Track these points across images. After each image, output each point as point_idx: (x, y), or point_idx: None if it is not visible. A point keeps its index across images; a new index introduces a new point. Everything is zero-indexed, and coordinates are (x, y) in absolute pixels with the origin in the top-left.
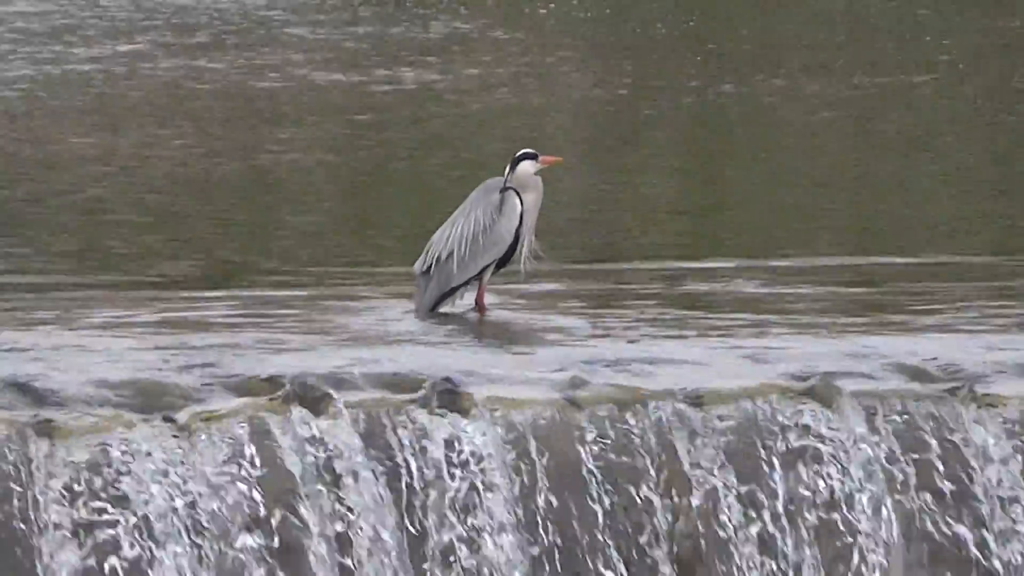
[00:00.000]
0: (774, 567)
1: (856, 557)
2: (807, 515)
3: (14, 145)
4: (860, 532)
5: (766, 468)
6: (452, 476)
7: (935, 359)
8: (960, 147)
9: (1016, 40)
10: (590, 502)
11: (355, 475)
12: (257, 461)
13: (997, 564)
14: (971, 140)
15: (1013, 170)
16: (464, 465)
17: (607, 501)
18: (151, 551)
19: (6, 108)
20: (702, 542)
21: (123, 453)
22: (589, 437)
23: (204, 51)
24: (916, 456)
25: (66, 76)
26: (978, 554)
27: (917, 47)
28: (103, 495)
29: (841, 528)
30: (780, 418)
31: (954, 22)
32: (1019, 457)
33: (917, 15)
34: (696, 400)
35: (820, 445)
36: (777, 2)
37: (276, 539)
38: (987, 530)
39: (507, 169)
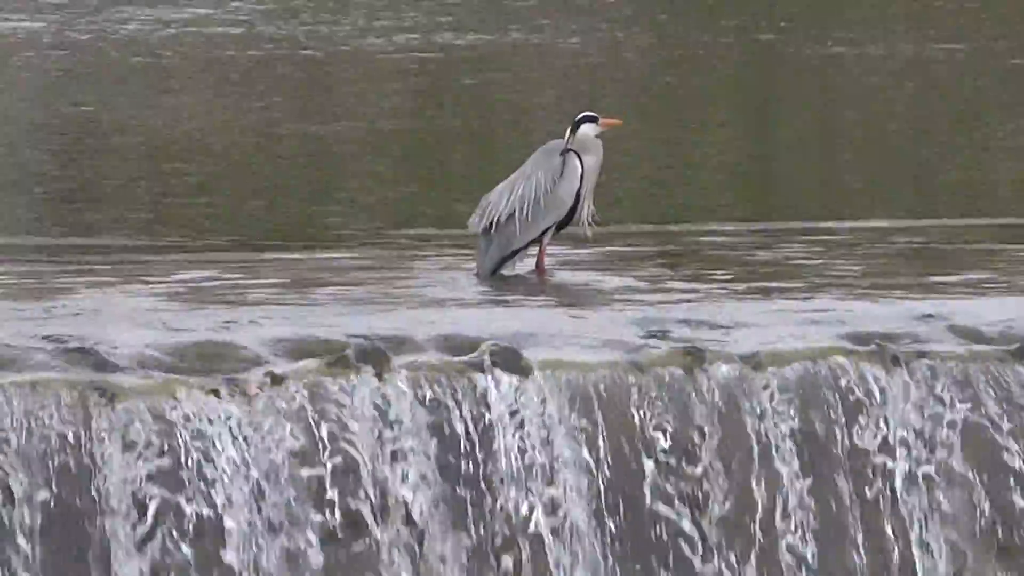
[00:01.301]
0: (823, 526)
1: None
2: (867, 476)
3: (76, 110)
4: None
5: (825, 429)
6: (512, 439)
7: (997, 321)
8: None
9: None
10: (651, 465)
11: (415, 437)
12: (318, 423)
13: None
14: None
15: None
16: (523, 428)
17: (667, 463)
18: (214, 514)
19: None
20: (757, 504)
21: (183, 416)
22: (650, 399)
23: (264, 17)
24: (972, 417)
25: (121, 39)
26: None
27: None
28: (163, 458)
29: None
30: (841, 381)
31: None
32: None
33: None
34: (756, 362)
35: (880, 407)
36: None
37: (337, 505)
38: None
39: (568, 131)
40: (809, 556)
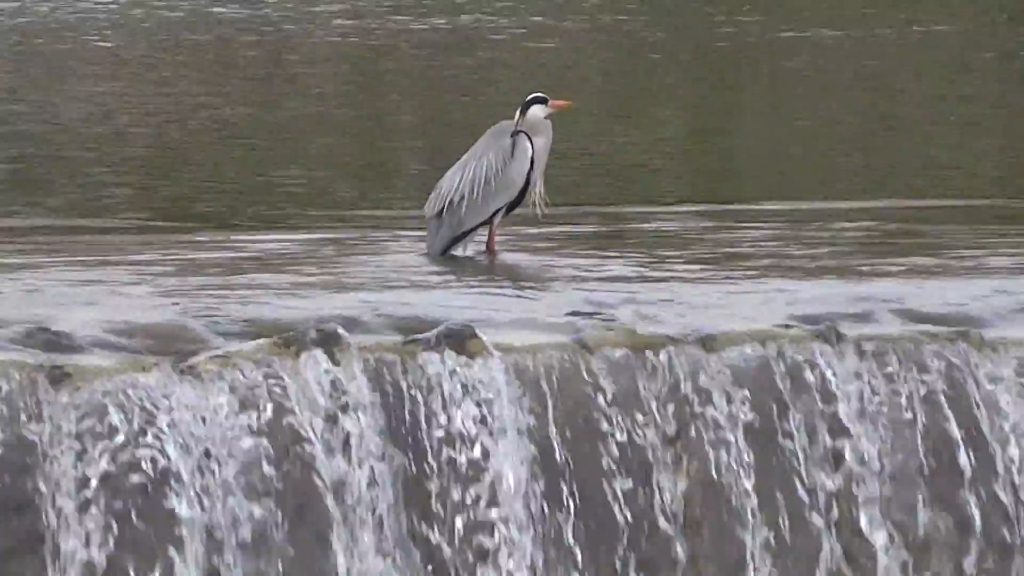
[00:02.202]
0: (777, 506)
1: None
2: (815, 453)
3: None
4: (858, 472)
5: (775, 409)
6: (461, 419)
7: (946, 303)
8: (976, 97)
9: None
10: (601, 445)
11: (364, 416)
12: (269, 404)
13: (1004, 497)
14: (987, 91)
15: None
16: (473, 407)
17: (617, 443)
18: (165, 493)
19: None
20: (707, 487)
21: (136, 397)
22: (600, 380)
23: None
24: (923, 398)
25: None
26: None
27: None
28: (116, 439)
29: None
30: (789, 361)
31: None
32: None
33: None
34: (706, 343)
35: (828, 388)
36: None
37: (286, 481)
38: (989, 463)
39: (517, 113)
40: (762, 538)
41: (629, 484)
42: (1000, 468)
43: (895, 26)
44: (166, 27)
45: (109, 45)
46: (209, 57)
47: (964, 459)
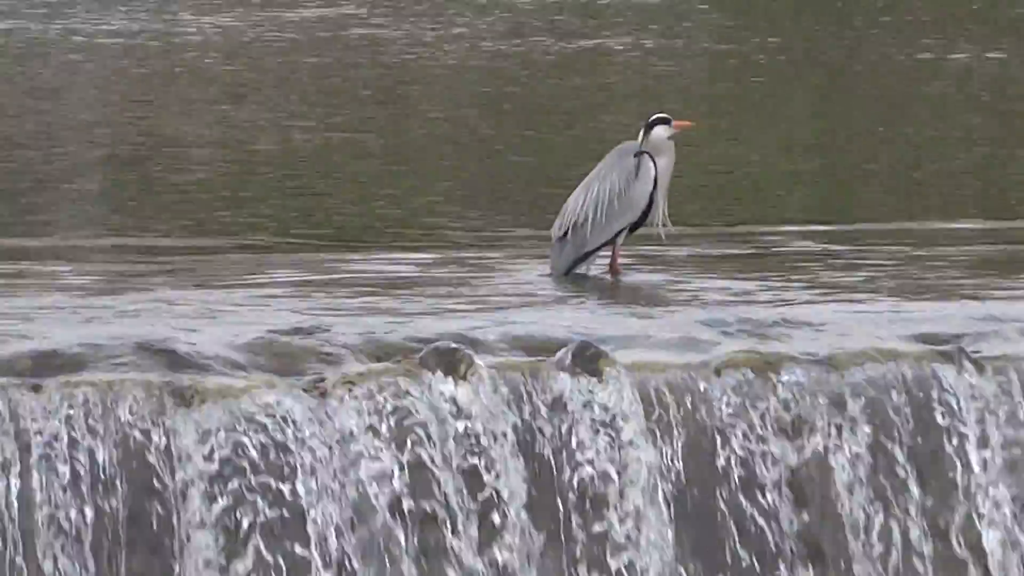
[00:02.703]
0: (896, 525)
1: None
2: (936, 471)
3: (140, 119)
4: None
5: (899, 430)
6: (589, 438)
7: None
8: None
9: None
10: (723, 465)
11: (493, 437)
12: (394, 425)
13: None
14: None
15: None
16: (601, 427)
17: (738, 464)
18: (290, 514)
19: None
20: (827, 508)
21: (261, 416)
22: (723, 400)
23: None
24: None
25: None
26: None
27: None
28: (239, 458)
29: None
30: (915, 381)
31: None
32: None
33: None
34: (831, 363)
35: (952, 407)
36: None
37: (414, 501)
38: None
39: (641, 134)
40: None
41: (749, 487)
42: None
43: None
44: (277, 50)
45: (225, 68)
46: (330, 80)
47: None
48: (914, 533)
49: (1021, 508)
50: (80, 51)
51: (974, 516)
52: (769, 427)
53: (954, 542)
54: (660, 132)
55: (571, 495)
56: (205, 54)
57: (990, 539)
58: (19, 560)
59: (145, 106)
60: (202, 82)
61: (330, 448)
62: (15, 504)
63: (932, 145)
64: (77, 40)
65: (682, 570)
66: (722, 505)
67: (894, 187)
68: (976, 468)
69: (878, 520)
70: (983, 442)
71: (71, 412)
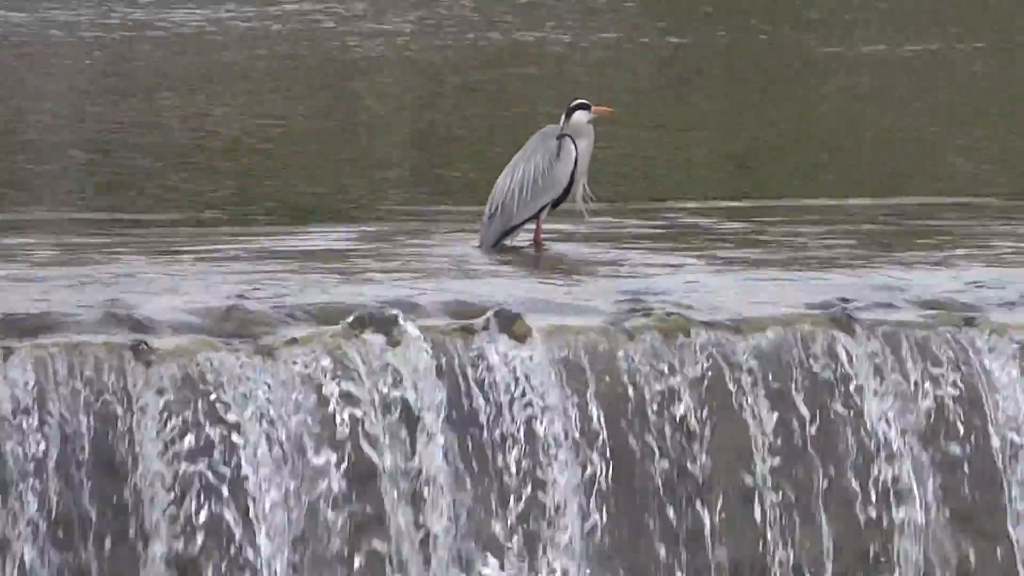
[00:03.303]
0: (794, 477)
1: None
2: (832, 430)
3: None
4: (882, 451)
5: (795, 390)
6: (511, 396)
7: (955, 291)
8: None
9: None
10: (638, 426)
11: (423, 395)
12: (333, 384)
13: (1009, 479)
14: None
15: None
16: (520, 387)
17: (654, 424)
18: (238, 464)
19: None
20: (731, 456)
21: (211, 375)
22: (636, 362)
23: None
24: (932, 381)
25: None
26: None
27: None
28: (193, 414)
29: (865, 443)
30: (808, 345)
31: None
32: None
33: None
34: (735, 328)
35: (844, 370)
36: None
37: (349, 457)
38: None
39: (562, 118)
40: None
41: (660, 442)
42: (991, 429)
43: (940, 42)
44: (236, 42)
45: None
46: (284, 67)
47: (959, 422)
48: (813, 471)
49: (904, 440)
50: (51, 43)
51: (869, 452)
52: (679, 386)
53: (850, 476)
54: (580, 116)
55: (495, 449)
56: (171, 46)
57: (881, 470)
58: None
59: (109, 95)
60: (164, 73)
61: (270, 401)
62: None
63: (831, 130)
64: (52, 33)
65: (600, 503)
66: (641, 458)
67: (795, 168)
68: (868, 417)
69: (777, 459)
70: (872, 393)
71: (39, 370)
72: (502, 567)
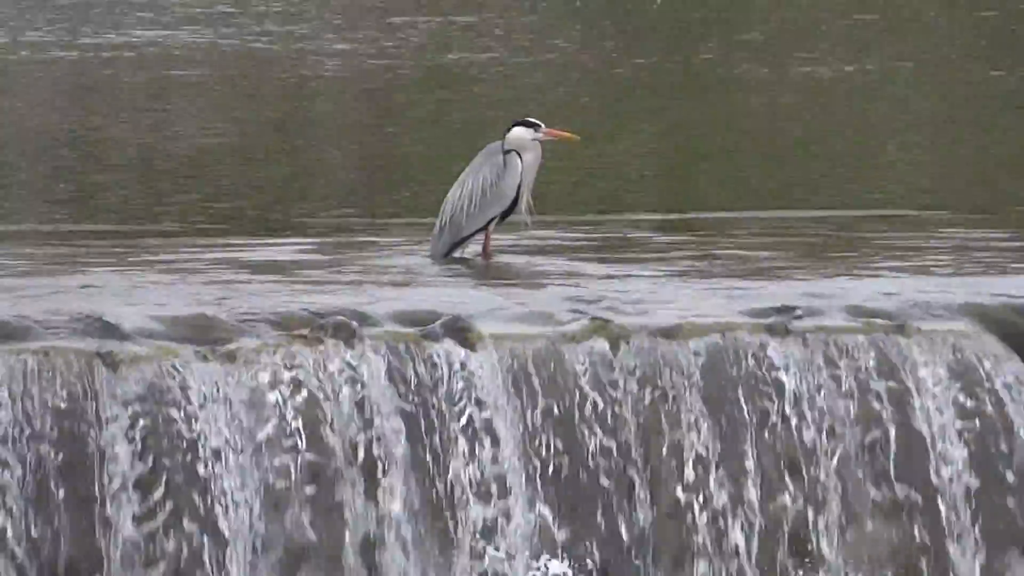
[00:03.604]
0: (731, 480)
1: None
2: (767, 432)
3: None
4: (814, 450)
5: (731, 392)
6: (462, 400)
7: (885, 299)
8: (925, 133)
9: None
10: (582, 425)
11: (378, 399)
12: (293, 388)
13: (937, 479)
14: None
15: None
16: (471, 390)
17: (597, 425)
18: (202, 464)
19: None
20: (668, 453)
21: (176, 379)
22: (579, 366)
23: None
24: (860, 383)
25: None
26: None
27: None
28: (158, 416)
29: (794, 442)
30: (746, 348)
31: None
32: (952, 383)
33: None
34: (674, 334)
35: (779, 374)
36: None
37: (307, 455)
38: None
39: (506, 134)
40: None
41: (603, 443)
42: (923, 428)
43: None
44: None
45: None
46: (238, 89)
47: (890, 425)
48: (748, 463)
49: (829, 438)
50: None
51: (796, 444)
52: (621, 387)
53: (784, 469)
54: (520, 133)
55: (446, 448)
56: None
57: (816, 455)
58: None
59: (75, 113)
60: (124, 91)
61: (237, 401)
62: None
63: (765, 145)
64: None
65: (546, 495)
66: (584, 458)
67: (729, 183)
68: (796, 418)
69: (716, 458)
70: (802, 397)
71: (14, 374)
72: (453, 548)
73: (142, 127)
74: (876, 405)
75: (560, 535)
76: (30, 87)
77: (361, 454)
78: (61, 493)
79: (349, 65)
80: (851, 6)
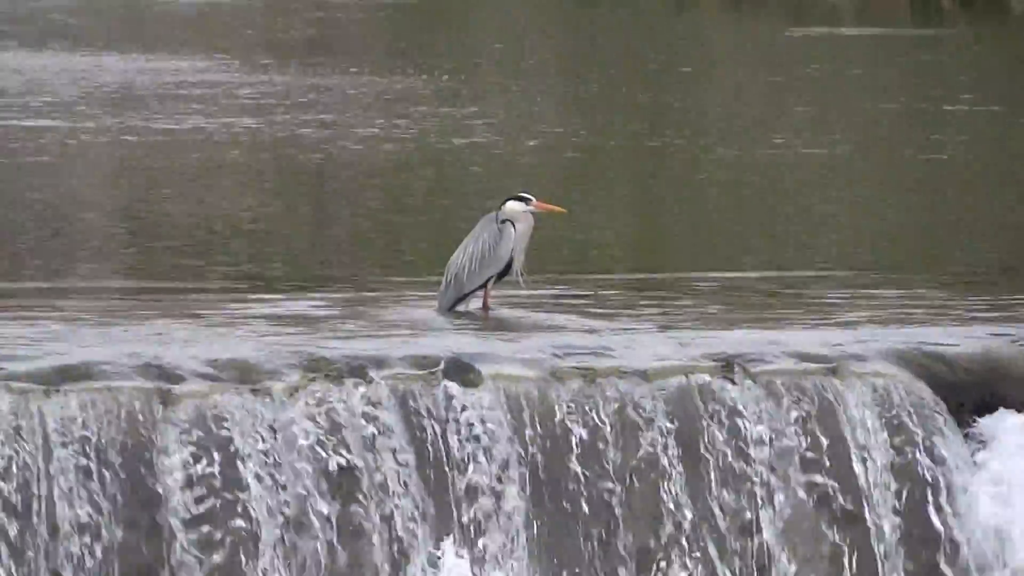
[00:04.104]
0: (698, 482)
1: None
2: (726, 458)
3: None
4: (761, 482)
5: (697, 425)
6: (465, 430)
7: (824, 345)
8: (855, 211)
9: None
10: (568, 452)
11: (391, 430)
12: (322, 419)
13: (870, 513)
14: (866, 209)
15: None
16: (472, 422)
17: (578, 446)
18: (241, 486)
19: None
20: (640, 476)
21: (221, 414)
22: (564, 403)
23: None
24: (800, 418)
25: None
26: (843, 503)
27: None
28: (207, 446)
29: (747, 473)
30: (705, 388)
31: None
32: (881, 421)
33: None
34: (644, 375)
35: (731, 407)
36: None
37: (334, 477)
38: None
39: (501, 206)
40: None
41: (583, 462)
42: (855, 463)
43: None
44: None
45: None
46: (268, 165)
47: (822, 449)
48: (713, 487)
49: (779, 462)
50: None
51: (750, 473)
52: (599, 420)
53: (743, 499)
54: (513, 205)
55: (450, 471)
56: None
57: (770, 494)
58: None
59: (133, 190)
60: (175, 171)
61: (275, 433)
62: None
63: (723, 216)
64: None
65: (537, 513)
66: (569, 479)
67: (692, 248)
68: (752, 449)
69: (680, 481)
70: (755, 432)
71: (82, 410)
72: (456, 555)
73: (191, 200)
74: (813, 433)
75: (546, 542)
76: (91, 168)
77: (378, 477)
78: (126, 486)
79: (369, 147)
80: (797, 101)
